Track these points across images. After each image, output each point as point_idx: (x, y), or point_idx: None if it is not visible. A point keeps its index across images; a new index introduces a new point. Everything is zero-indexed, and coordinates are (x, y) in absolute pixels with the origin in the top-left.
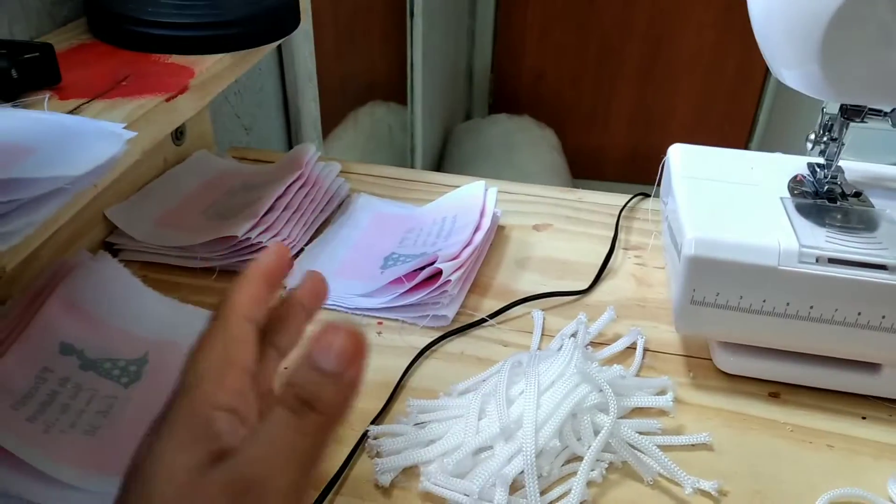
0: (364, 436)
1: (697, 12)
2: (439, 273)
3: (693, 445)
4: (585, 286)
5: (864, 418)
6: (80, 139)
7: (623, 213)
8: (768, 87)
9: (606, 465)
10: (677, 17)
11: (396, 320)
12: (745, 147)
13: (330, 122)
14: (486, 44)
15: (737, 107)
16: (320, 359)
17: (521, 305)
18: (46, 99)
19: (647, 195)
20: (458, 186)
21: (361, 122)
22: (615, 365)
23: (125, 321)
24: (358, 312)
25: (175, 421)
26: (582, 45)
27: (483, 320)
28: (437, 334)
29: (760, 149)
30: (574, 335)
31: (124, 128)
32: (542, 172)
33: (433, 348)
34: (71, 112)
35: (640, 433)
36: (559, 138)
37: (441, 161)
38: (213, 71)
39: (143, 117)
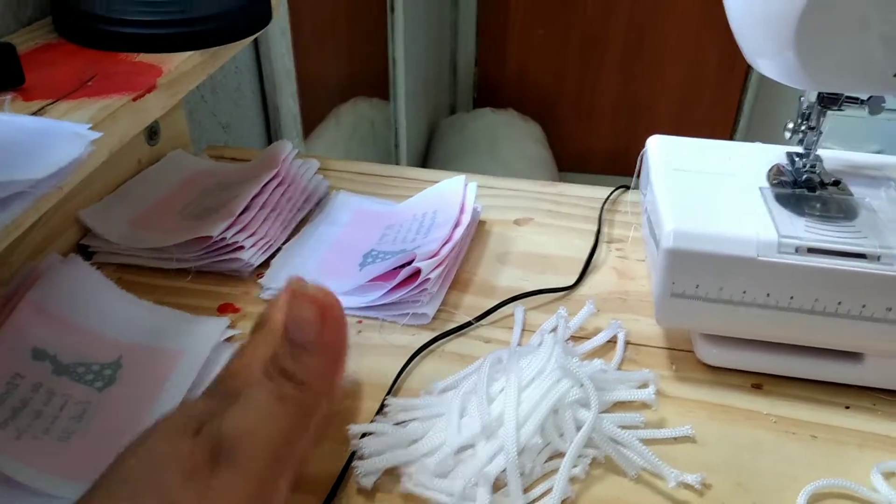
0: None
1: (679, 3)
2: (419, 271)
3: (676, 439)
4: (567, 280)
5: (847, 408)
6: (43, 141)
7: (605, 206)
8: (752, 77)
9: (589, 461)
10: (659, 7)
11: (376, 319)
12: (731, 137)
13: (312, 119)
14: (469, 37)
15: (721, 97)
16: (292, 331)
17: (504, 302)
18: (8, 100)
19: (629, 187)
20: (438, 182)
21: (344, 118)
22: (596, 359)
23: (98, 324)
24: None
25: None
26: (565, 37)
27: (469, 323)
28: (417, 332)
29: (746, 138)
30: (554, 330)
31: (89, 128)
32: (528, 166)
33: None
34: (34, 114)
35: (623, 427)
36: (544, 131)
37: (426, 156)
38: (182, 69)
39: (109, 117)
